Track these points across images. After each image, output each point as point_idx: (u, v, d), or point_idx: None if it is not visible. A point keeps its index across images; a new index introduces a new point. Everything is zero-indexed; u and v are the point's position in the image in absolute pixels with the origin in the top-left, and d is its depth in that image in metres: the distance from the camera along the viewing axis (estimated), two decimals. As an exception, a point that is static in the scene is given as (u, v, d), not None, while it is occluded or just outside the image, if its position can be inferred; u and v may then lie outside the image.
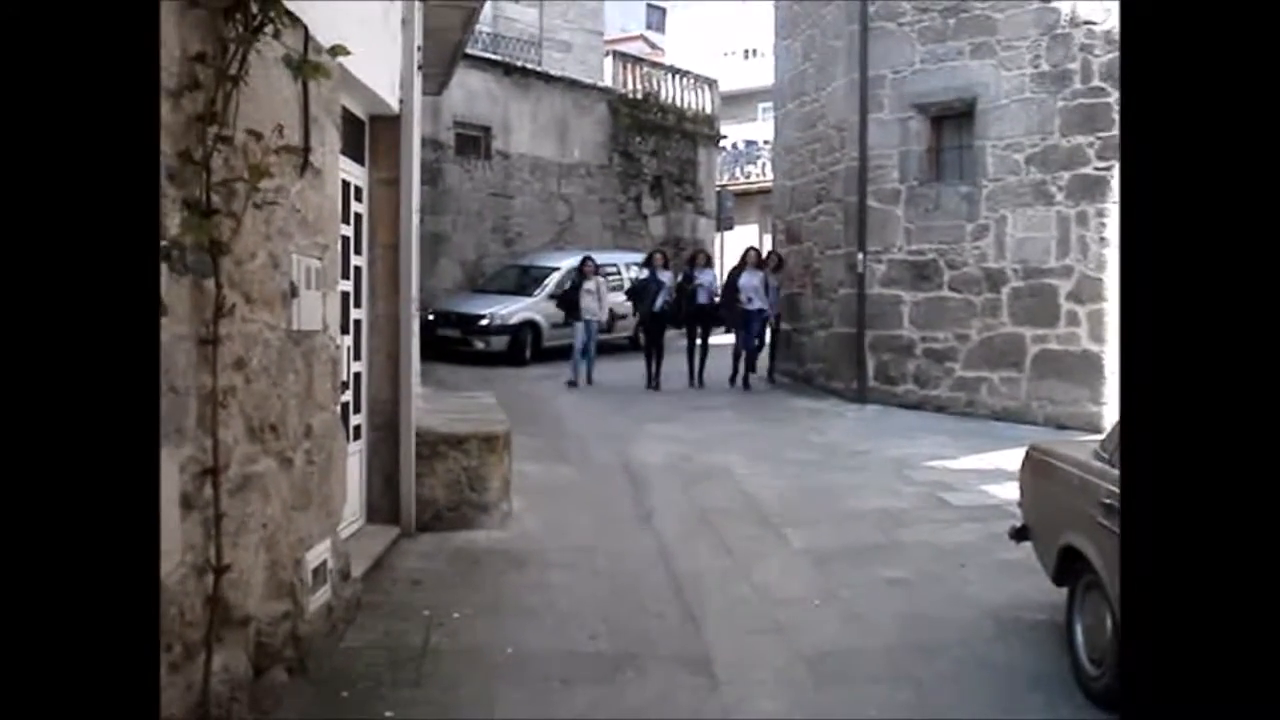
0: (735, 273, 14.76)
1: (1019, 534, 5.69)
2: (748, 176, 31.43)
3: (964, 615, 5.70)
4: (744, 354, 14.52)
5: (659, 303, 14.47)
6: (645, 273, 15.21)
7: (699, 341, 14.79)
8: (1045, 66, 11.43)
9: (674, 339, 15.20)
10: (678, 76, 23.98)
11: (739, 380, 14.58)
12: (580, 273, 14.92)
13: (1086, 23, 11.08)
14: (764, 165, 31.03)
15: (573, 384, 14.17)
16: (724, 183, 27.82)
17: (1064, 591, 5.06)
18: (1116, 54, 10.86)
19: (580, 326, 14.49)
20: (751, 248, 15.54)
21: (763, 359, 15.20)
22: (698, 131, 23.93)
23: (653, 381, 14.31)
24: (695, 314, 14.73)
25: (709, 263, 15.82)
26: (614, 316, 16.25)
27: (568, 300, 14.89)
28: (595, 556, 6.66)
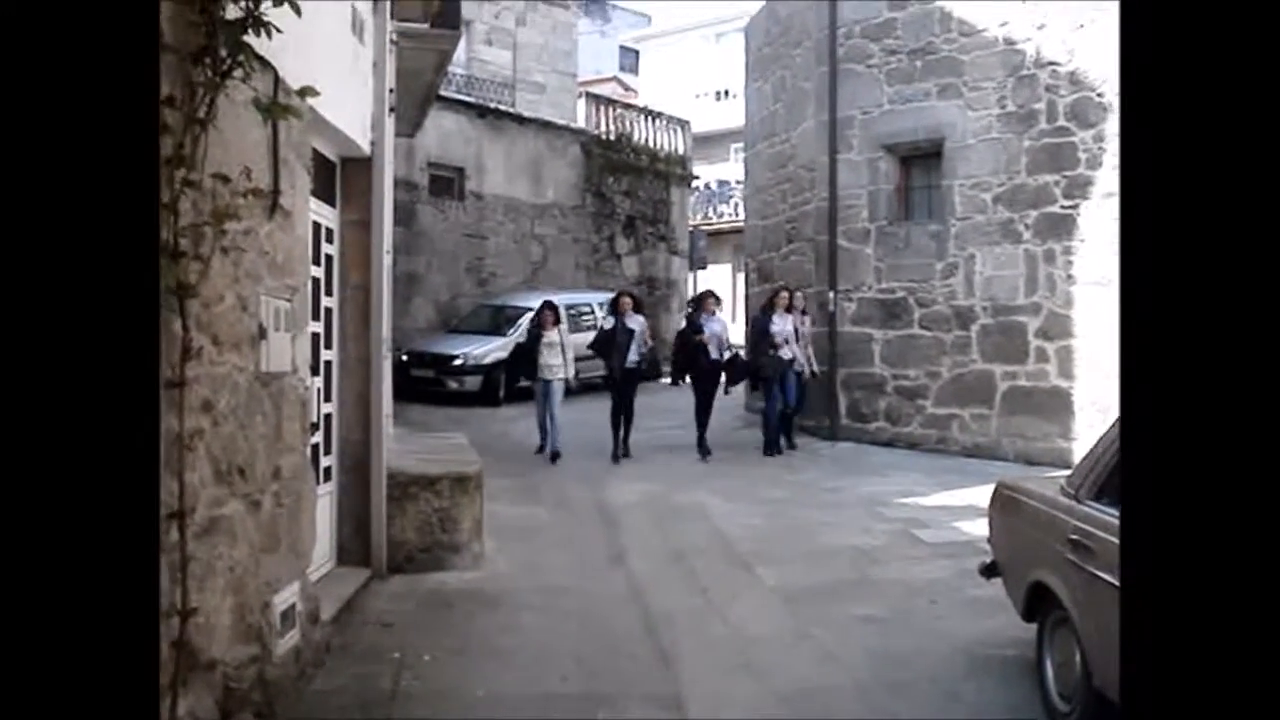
0: (764, 317, 12.35)
1: (989, 570, 5.71)
2: (720, 216, 31.58)
3: (936, 651, 5.71)
4: (783, 414, 12.29)
5: (631, 357, 11.88)
6: (611, 320, 12.19)
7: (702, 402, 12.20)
8: (1011, 107, 11.60)
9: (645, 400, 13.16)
10: (650, 118, 24.18)
11: (781, 446, 12.30)
12: (537, 322, 12.12)
13: (1051, 63, 11.26)
14: (736, 205, 31.22)
15: (543, 448, 11.82)
16: (697, 222, 27.96)
17: (1033, 628, 5.08)
18: (1081, 94, 11.06)
19: (539, 389, 11.86)
20: (784, 286, 12.79)
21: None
22: (670, 172, 24.11)
23: (620, 449, 11.73)
24: (707, 371, 12.13)
25: (719, 305, 12.98)
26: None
27: (524, 356, 12.31)
28: (568, 597, 6.64)
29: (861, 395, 13.01)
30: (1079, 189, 11.12)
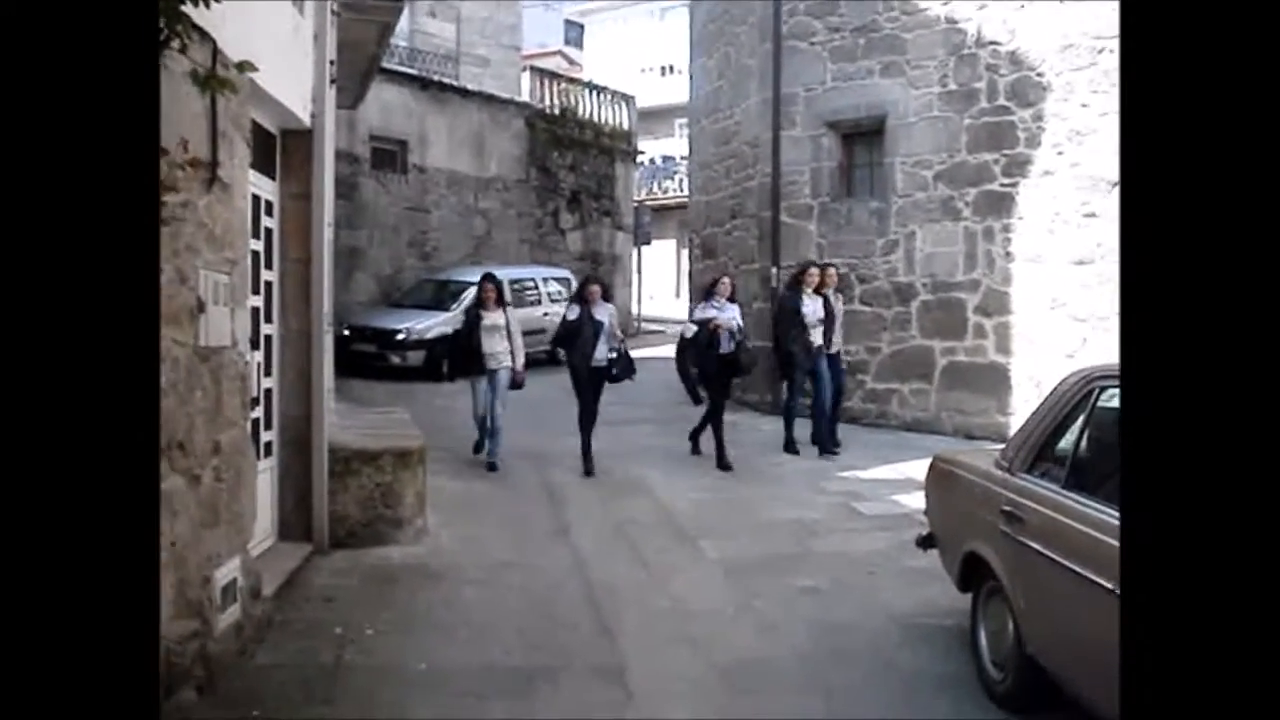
0: (791, 297, 10.76)
1: (926, 542, 5.82)
2: (665, 192, 31.63)
3: (874, 622, 5.82)
4: (817, 410, 10.90)
5: (599, 353, 9.84)
6: (576, 310, 10.01)
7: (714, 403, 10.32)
8: (953, 85, 11.72)
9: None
10: (595, 92, 24.08)
11: (828, 443, 10.81)
12: (478, 301, 10.14)
13: (992, 43, 11.39)
14: (681, 181, 31.26)
15: (481, 447, 10.04)
16: (641, 198, 27.97)
17: (968, 598, 5.20)
18: (1021, 74, 11.20)
19: (481, 385, 9.79)
20: (811, 263, 11.16)
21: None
22: (615, 147, 24.04)
23: (590, 465, 9.75)
24: (724, 367, 10.28)
25: (733, 293, 10.75)
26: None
27: (461, 346, 10.19)
28: (511, 571, 6.67)
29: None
30: (1018, 168, 11.28)
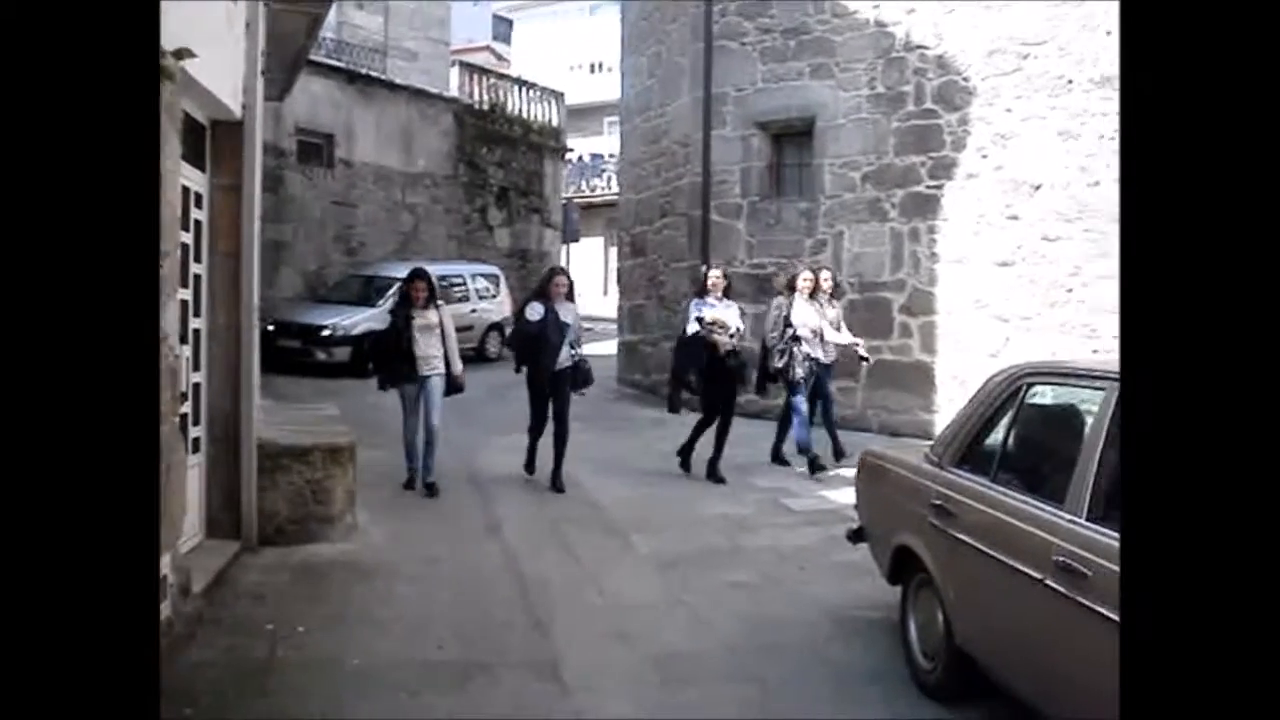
0: (787, 301, 9.88)
1: (856, 536, 5.92)
2: (593, 190, 31.66)
3: (804, 616, 5.90)
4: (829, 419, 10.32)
5: (564, 356, 8.80)
6: (539, 310, 8.78)
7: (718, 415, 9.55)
8: (881, 88, 11.89)
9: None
10: (524, 88, 24.03)
11: (832, 454, 10.01)
12: (406, 299, 8.73)
13: (920, 47, 11.58)
14: (609, 179, 31.32)
15: (412, 481, 8.75)
16: (570, 195, 27.93)
17: (897, 591, 5.29)
18: (947, 78, 11.41)
19: (409, 395, 8.63)
20: (806, 266, 10.54)
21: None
22: (544, 144, 24.01)
23: (554, 479, 8.84)
24: (726, 372, 9.44)
25: (729, 288, 9.75)
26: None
27: (389, 350, 8.69)
28: (443, 567, 6.64)
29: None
30: (944, 170, 11.49)
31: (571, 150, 27.60)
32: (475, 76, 22.74)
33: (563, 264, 24.72)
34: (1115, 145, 10.37)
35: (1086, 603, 3.39)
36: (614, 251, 31.75)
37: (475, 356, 17.15)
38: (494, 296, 19.17)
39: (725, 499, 8.81)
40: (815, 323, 9.82)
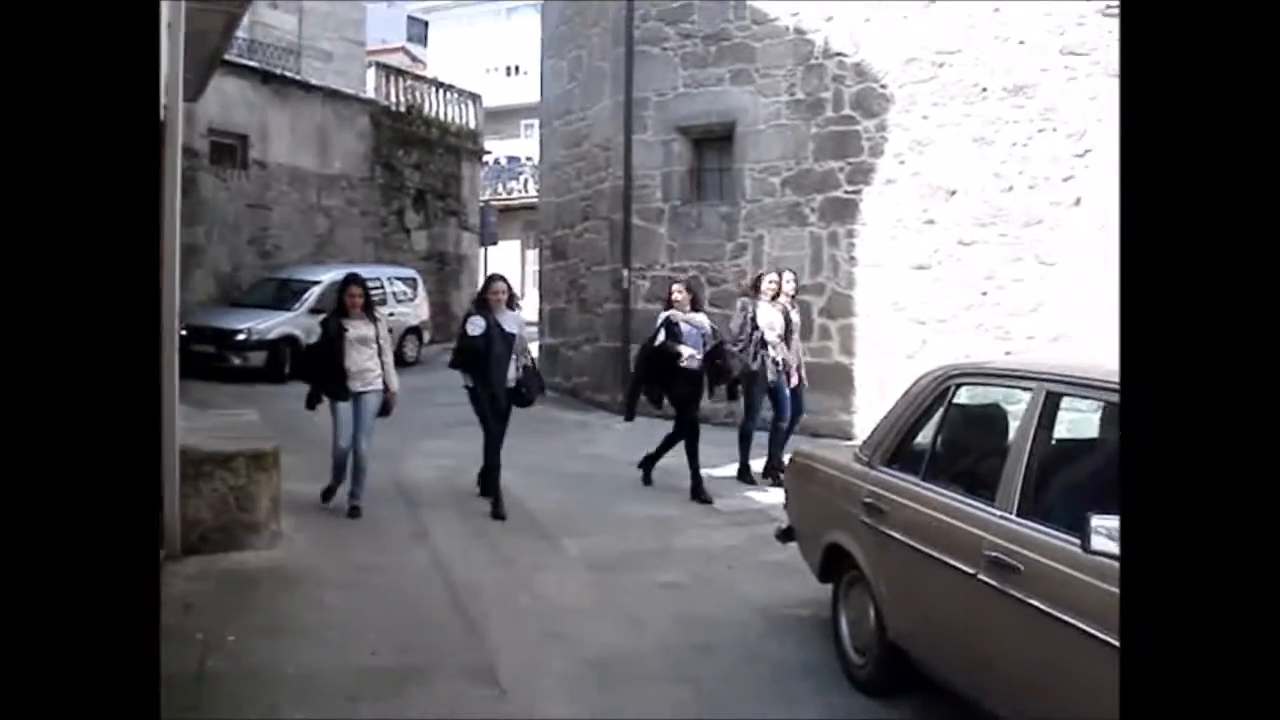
0: (753, 302, 9.58)
1: (785, 535, 6.01)
2: (510, 193, 31.53)
3: (736, 614, 5.97)
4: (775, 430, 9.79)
5: (511, 372, 8.25)
6: (480, 323, 8.08)
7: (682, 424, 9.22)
8: (800, 95, 12.07)
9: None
10: (441, 90, 23.85)
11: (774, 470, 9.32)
12: (340, 308, 8.01)
13: (838, 55, 11.78)
14: (526, 181, 31.23)
15: (332, 492, 8.19)
16: (487, 198, 27.80)
17: (826, 588, 5.39)
18: (865, 85, 11.62)
19: (342, 411, 7.92)
20: (774, 270, 10.11)
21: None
22: (462, 146, 23.87)
23: (497, 503, 8.21)
24: (693, 386, 9.17)
25: (695, 301, 9.47)
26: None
27: (322, 364, 7.98)
28: (372, 574, 6.58)
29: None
30: (861, 175, 11.70)
31: (489, 153, 27.49)
32: (392, 78, 22.52)
33: (481, 267, 24.67)
34: (1027, 152, 10.69)
35: (1019, 596, 3.50)
36: (531, 255, 31.70)
37: (394, 360, 16.96)
38: (412, 300, 19.01)
39: (651, 501, 8.86)
40: (780, 326, 9.59)
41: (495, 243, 25.64)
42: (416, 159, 22.32)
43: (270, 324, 15.71)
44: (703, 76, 12.74)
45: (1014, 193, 10.78)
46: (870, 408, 11.22)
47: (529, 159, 31.72)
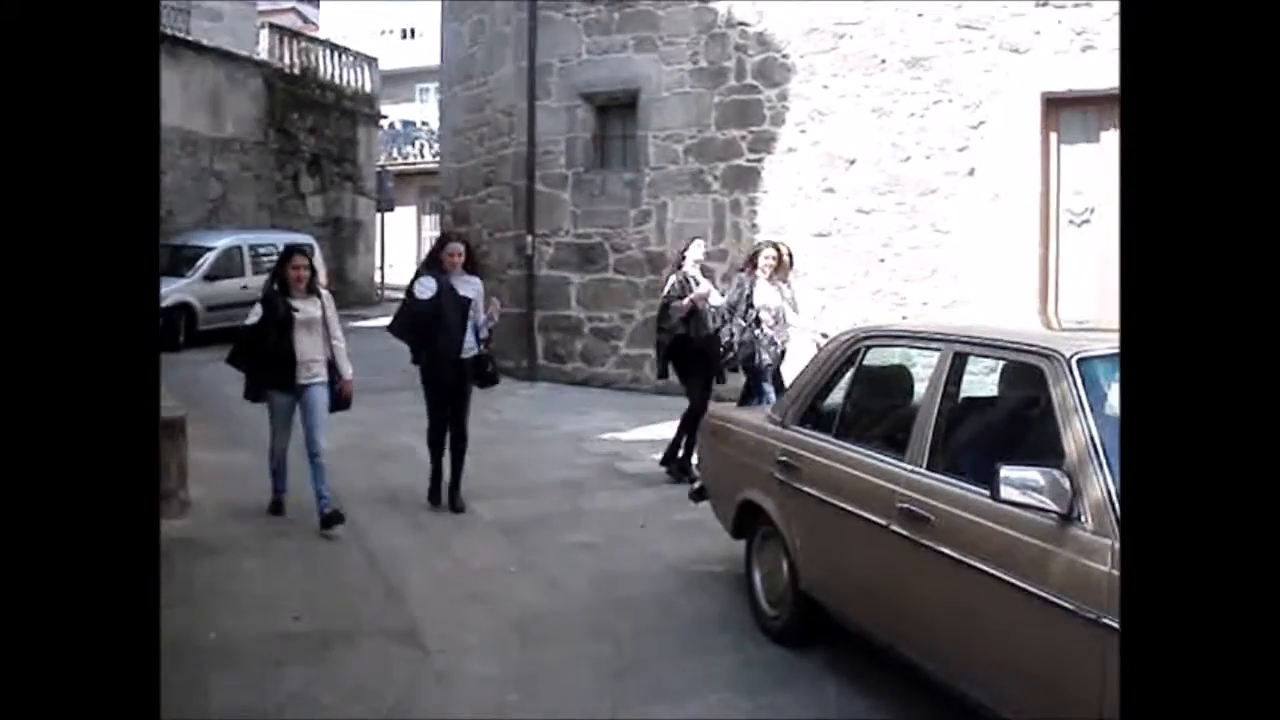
0: (745, 281, 8.49)
1: (698, 494, 6.18)
2: (406, 157, 31.13)
3: (651, 572, 6.14)
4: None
5: (468, 342, 7.28)
6: (431, 284, 7.14)
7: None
8: (703, 63, 12.19)
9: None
10: (337, 53, 23.41)
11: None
12: (282, 284, 6.75)
13: (741, 24, 11.93)
14: (422, 146, 30.86)
15: (280, 504, 7.13)
16: (383, 163, 27.42)
17: (738, 546, 5.57)
18: (767, 55, 11.78)
19: (282, 406, 6.84)
20: (770, 244, 8.79)
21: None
22: (357, 110, 23.50)
23: (451, 495, 7.44)
24: (700, 355, 8.47)
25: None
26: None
27: (268, 351, 6.66)
28: (286, 540, 6.59)
29: (559, 337, 13.38)
30: (763, 144, 11.90)
31: (385, 117, 27.08)
32: (285, 40, 22.01)
33: (378, 233, 24.38)
34: (923, 123, 10.98)
35: (929, 544, 3.71)
36: (429, 220, 31.37)
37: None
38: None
39: (560, 465, 8.97)
40: (777, 304, 8.53)
41: (392, 208, 25.37)
42: (312, 123, 21.91)
43: (163, 291, 15.33)
44: (606, 43, 12.77)
45: (911, 162, 11.09)
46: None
47: (425, 123, 31.36)
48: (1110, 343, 3.93)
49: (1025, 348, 3.84)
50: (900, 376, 4.75)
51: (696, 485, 6.28)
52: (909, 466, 4.01)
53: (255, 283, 8.50)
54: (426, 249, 26.37)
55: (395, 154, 30.99)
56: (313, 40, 24.01)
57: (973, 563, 3.49)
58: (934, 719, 4.10)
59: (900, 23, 11.06)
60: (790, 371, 7.80)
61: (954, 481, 3.76)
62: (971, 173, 10.83)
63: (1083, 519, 3.15)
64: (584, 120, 13.14)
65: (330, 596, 5.61)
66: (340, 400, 6.97)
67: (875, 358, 4.84)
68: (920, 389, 4.41)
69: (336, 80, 23.00)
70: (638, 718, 4.32)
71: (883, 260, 11.38)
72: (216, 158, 19.59)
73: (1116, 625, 2.91)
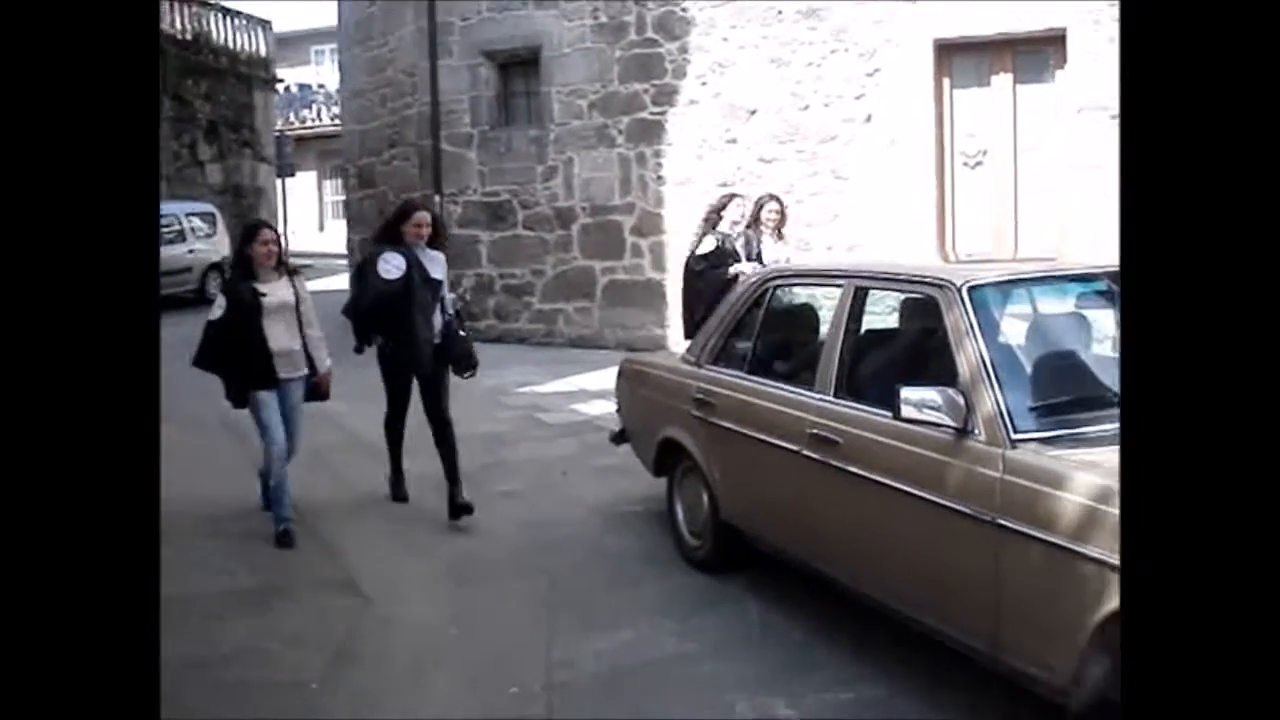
0: (753, 239, 7.92)
1: (619, 438, 6.41)
2: (304, 121, 30.66)
3: (576, 515, 6.37)
4: None
5: (438, 325, 6.35)
6: (397, 261, 6.07)
7: None
8: (604, 18, 12.28)
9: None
10: (229, 17, 22.92)
11: None
12: (246, 267, 5.95)
13: (639, -22, 12.07)
14: (320, 110, 30.41)
15: (287, 534, 5.87)
16: (281, 128, 26.98)
17: (658, 487, 5.83)
18: (667, 9, 11.92)
19: (268, 403, 5.90)
20: (771, 196, 8.27)
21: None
22: (253, 75, 23.10)
23: (453, 503, 6.31)
24: None
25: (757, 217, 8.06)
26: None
27: (237, 345, 5.83)
28: (209, 505, 6.61)
29: (471, 295, 13.47)
30: (666, 97, 12.07)
31: (282, 81, 26.62)
32: (176, 5, 21.50)
33: (279, 199, 24.03)
34: (821, 72, 11.26)
35: (838, 465, 4.01)
36: (330, 185, 30.98)
37: (196, 298, 16.57)
38: (210, 235, 18.52)
39: (480, 419, 9.07)
40: (784, 261, 7.74)
41: (293, 174, 24.97)
42: (206, 89, 21.49)
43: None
44: (506, 1, 12.79)
45: (810, 111, 11.36)
46: (681, 321, 11.73)
47: (322, 86, 30.88)
48: (999, 272, 4.26)
49: (921, 279, 4.14)
50: (806, 313, 5.04)
51: (618, 429, 6.50)
52: (817, 396, 4.30)
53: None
54: (329, 214, 26.06)
55: (293, 118, 30.49)
56: (204, 4, 23.46)
57: (878, 478, 3.79)
58: (846, 628, 4.42)
59: (795, -27, 11.30)
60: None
61: (859, 406, 4.06)
62: (869, 119, 11.15)
63: (976, 431, 3.47)
64: (487, 79, 13.17)
65: (263, 554, 5.72)
66: (318, 392, 6.26)
67: (782, 297, 5.11)
68: (826, 324, 4.70)
69: (230, 45, 22.57)
70: (574, 647, 4.56)
71: (786, 207, 11.64)
72: (109, 127, 19.14)
73: (1009, 525, 3.24)
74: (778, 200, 8.22)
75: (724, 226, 7.89)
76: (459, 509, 6.24)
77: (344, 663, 4.46)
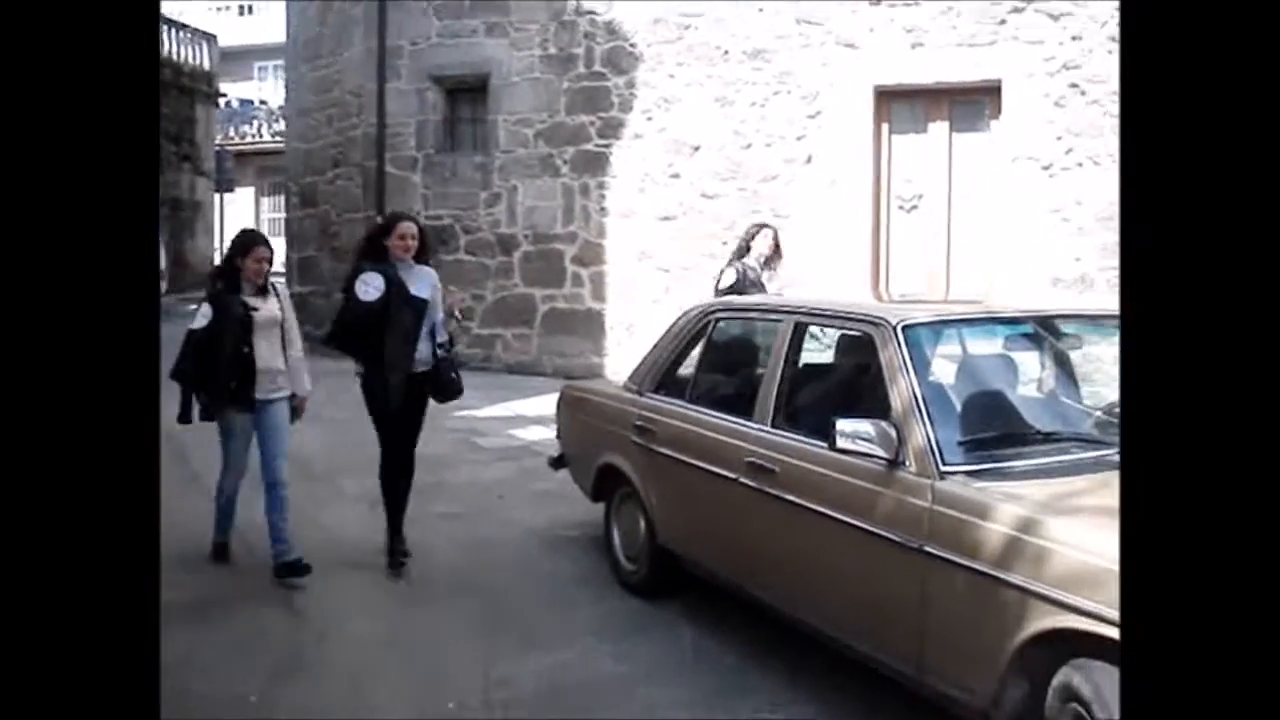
0: (752, 269, 7.93)
1: (557, 462, 6.52)
2: (244, 137, 30.44)
3: (513, 538, 6.46)
4: None
5: (423, 353, 5.92)
6: (377, 281, 5.64)
7: None
8: (553, 50, 12.46)
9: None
10: (173, 29, 22.77)
11: None
12: (234, 279, 5.67)
13: (590, 12, 12.23)
14: (260, 126, 30.22)
15: (225, 547, 6.01)
16: (222, 142, 26.79)
17: (595, 512, 5.94)
18: (615, 43, 12.13)
19: (240, 428, 5.80)
20: (763, 225, 8.42)
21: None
22: (195, 88, 22.94)
23: (392, 549, 5.95)
24: None
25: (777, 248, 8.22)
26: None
27: (225, 362, 5.56)
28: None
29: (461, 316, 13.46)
30: (612, 130, 12.26)
31: (224, 95, 26.46)
32: (117, 14, 21.30)
33: (217, 215, 23.84)
34: (764, 112, 11.53)
35: (774, 493, 4.17)
36: (267, 201, 30.76)
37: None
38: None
39: (421, 440, 9.11)
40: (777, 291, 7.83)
41: (231, 189, 24.87)
42: (147, 101, 21.28)
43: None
44: (457, 27, 12.91)
45: (752, 150, 11.62)
46: (619, 350, 11.90)
47: (264, 102, 30.73)
48: (932, 312, 4.46)
49: (857, 317, 4.33)
50: (747, 346, 5.20)
51: (557, 454, 6.61)
52: (756, 425, 4.46)
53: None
54: (268, 230, 25.89)
55: (233, 133, 30.26)
56: (146, 15, 23.28)
57: (813, 506, 3.96)
58: (779, 653, 4.56)
59: (741, 16, 11.57)
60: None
61: (796, 436, 4.23)
62: (809, 160, 11.42)
63: (906, 463, 3.64)
64: (434, 103, 13.26)
65: (200, 569, 5.75)
66: (296, 414, 6.05)
67: (724, 330, 5.28)
68: (765, 357, 4.87)
69: (174, 57, 22.40)
70: (512, 665, 4.65)
71: (725, 243, 11.75)
72: (46, 135, 18.88)
73: (936, 553, 3.41)
74: (770, 228, 8.31)
75: (750, 258, 7.91)
76: (398, 558, 5.89)
77: (283, 677, 4.50)
